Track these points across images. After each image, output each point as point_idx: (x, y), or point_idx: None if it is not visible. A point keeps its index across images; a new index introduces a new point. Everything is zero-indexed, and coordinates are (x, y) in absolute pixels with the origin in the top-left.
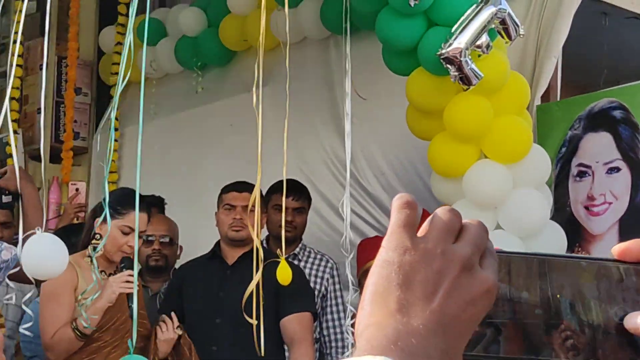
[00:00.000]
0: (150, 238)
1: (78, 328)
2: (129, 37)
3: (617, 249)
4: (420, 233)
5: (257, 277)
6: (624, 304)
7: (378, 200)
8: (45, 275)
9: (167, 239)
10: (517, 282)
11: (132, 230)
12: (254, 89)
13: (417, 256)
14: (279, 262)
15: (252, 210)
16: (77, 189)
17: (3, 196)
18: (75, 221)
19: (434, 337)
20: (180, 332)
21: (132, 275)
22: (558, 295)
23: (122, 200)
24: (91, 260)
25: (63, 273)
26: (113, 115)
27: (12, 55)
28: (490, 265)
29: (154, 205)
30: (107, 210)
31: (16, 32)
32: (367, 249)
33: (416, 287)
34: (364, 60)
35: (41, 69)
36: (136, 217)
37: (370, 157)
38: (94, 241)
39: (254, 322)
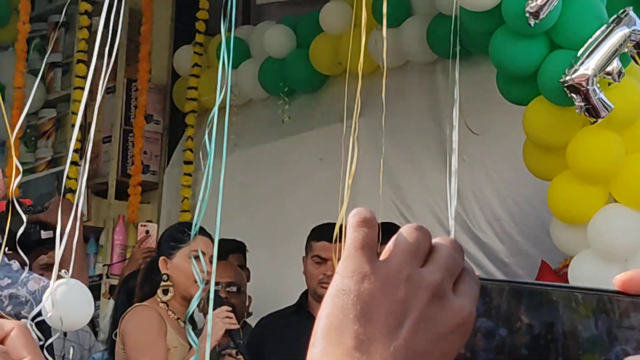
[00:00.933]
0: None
1: None
2: (223, 54)
3: (619, 279)
4: (382, 256)
5: None
6: (625, 344)
7: (492, 251)
8: (68, 326)
9: (234, 288)
10: (499, 315)
11: (203, 253)
12: (346, 118)
13: (377, 283)
14: None
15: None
16: (147, 232)
17: (42, 231)
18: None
19: None
20: None
21: (230, 311)
22: (548, 335)
23: (183, 228)
24: (167, 305)
25: (149, 319)
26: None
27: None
28: (466, 292)
29: (232, 252)
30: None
31: (80, 51)
32: None
33: (377, 320)
34: (475, 88)
35: (109, 92)
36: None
37: (483, 200)
38: (162, 284)
39: None
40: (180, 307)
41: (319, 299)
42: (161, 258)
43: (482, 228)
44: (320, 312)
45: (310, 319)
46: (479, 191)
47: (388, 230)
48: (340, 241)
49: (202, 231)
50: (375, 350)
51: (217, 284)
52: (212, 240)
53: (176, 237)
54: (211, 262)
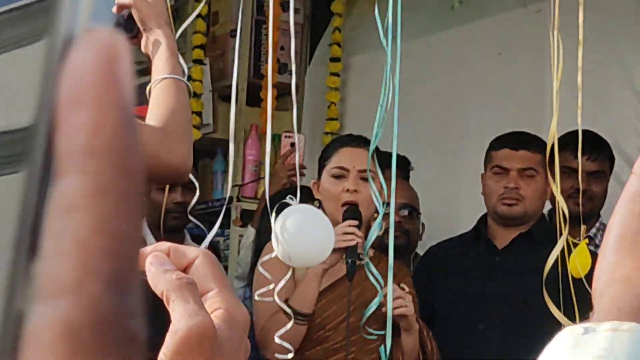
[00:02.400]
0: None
1: (292, 307)
2: None
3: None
4: None
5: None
6: None
7: None
8: (309, 262)
9: (407, 211)
10: None
11: (346, 170)
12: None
13: None
14: (574, 245)
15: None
16: (292, 144)
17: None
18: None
19: None
20: None
21: (355, 226)
22: None
23: (332, 143)
24: None
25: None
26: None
27: None
28: None
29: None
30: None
31: None
32: None
33: None
34: None
35: None
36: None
37: None
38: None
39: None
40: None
41: (501, 220)
42: (313, 182)
43: None
44: (612, 218)
45: (491, 247)
46: None
47: (589, 140)
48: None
49: (352, 141)
50: None
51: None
52: (367, 150)
53: (323, 152)
54: (363, 178)
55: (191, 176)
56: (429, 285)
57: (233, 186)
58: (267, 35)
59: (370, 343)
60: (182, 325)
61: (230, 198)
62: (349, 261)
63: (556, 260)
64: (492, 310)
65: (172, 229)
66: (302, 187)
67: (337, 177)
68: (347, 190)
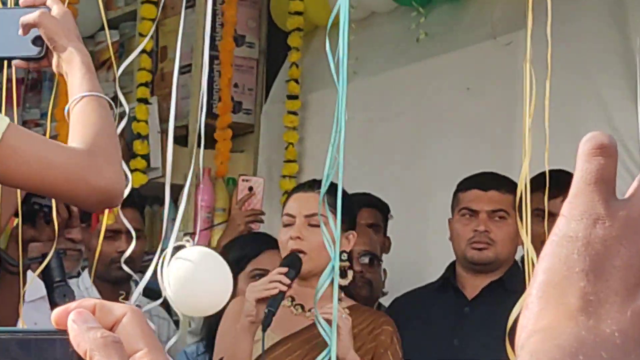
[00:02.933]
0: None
1: None
2: None
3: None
4: (628, 193)
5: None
6: None
7: None
8: (200, 310)
9: (367, 258)
10: None
11: (292, 216)
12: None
13: (615, 229)
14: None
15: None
16: (250, 188)
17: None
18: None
19: (635, 348)
20: None
21: (285, 273)
22: None
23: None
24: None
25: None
26: None
27: None
28: None
29: (365, 205)
30: None
31: None
32: None
33: (611, 275)
34: None
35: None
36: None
37: None
38: None
39: None
40: (298, 286)
41: (471, 266)
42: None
43: None
44: (538, 265)
45: (460, 296)
46: None
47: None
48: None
49: (303, 186)
50: (606, 313)
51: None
52: (318, 194)
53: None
54: (311, 224)
55: (128, 225)
56: None
57: (184, 234)
58: (219, 72)
59: None
60: None
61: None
62: (267, 310)
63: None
64: None
65: (117, 280)
66: (260, 234)
67: (286, 225)
68: (292, 238)
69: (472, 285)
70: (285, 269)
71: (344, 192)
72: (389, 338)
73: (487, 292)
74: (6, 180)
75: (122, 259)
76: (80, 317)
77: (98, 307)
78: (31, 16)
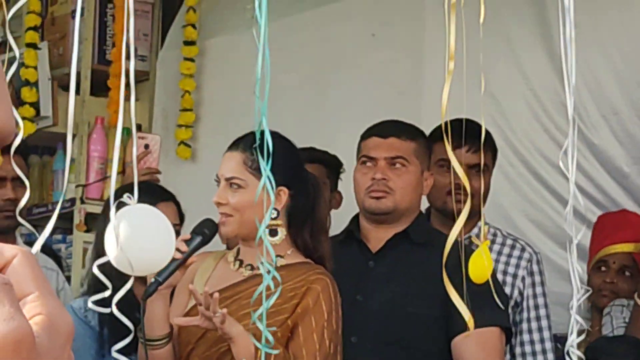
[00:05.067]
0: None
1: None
2: None
3: None
4: None
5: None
6: None
7: (607, 157)
8: (149, 268)
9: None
10: None
11: (217, 180)
12: None
13: None
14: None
15: (402, 163)
16: (146, 146)
17: None
18: None
19: None
20: None
21: (186, 241)
22: None
23: None
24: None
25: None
26: None
27: None
28: None
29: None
30: None
31: None
32: (607, 228)
33: None
34: None
35: None
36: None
37: (595, 86)
38: None
39: None
40: (242, 246)
41: (372, 217)
42: None
43: (594, 125)
44: None
45: (364, 249)
46: (590, 74)
47: (468, 130)
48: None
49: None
50: None
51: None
52: (237, 153)
53: None
54: (233, 184)
55: (19, 172)
56: None
57: (76, 186)
58: (113, 16)
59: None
60: None
61: (73, 200)
62: (153, 279)
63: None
64: (364, 320)
65: (1, 230)
66: (155, 186)
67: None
68: (216, 203)
69: (376, 238)
70: (188, 236)
71: (278, 148)
72: (313, 299)
73: (392, 245)
74: None
75: (17, 210)
76: None
77: None
78: None
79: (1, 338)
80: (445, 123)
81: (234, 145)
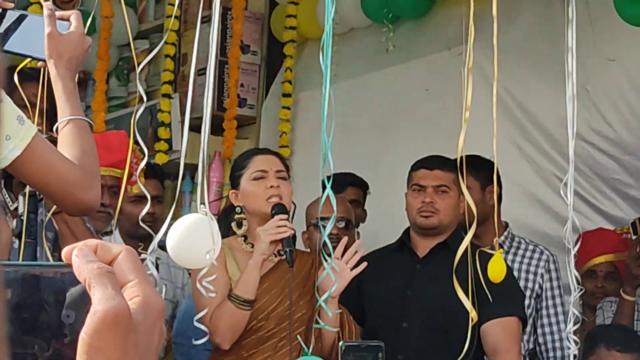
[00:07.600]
0: (322, 223)
1: (236, 295)
2: None
3: (64, 252)
4: None
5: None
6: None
7: (619, 187)
8: (195, 263)
9: (343, 223)
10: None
11: (265, 171)
12: (460, 44)
13: None
14: (487, 255)
15: (446, 191)
16: None
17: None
18: None
19: None
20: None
21: (285, 220)
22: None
23: (242, 155)
24: (245, 240)
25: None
26: None
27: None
28: None
29: (350, 184)
30: None
31: None
32: (590, 243)
33: None
34: (604, 8)
35: (204, 21)
36: None
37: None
38: (236, 216)
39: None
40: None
41: (420, 231)
42: (231, 192)
43: (607, 166)
44: None
45: (413, 255)
46: (603, 126)
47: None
48: (461, 174)
49: (262, 150)
50: None
51: (325, 217)
52: (277, 156)
53: (236, 165)
54: (278, 177)
55: (145, 191)
56: (360, 288)
57: (201, 204)
58: (229, 74)
59: (295, 330)
60: (100, 307)
61: None
62: (288, 250)
63: (468, 267)
64: (413, 310)
65: (142, 237)
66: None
67: (258, 179)
68: (271, 187)
69: (423, 247)
70: (285, 216)
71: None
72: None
73: (435, 252)
74: (20, 175)
75: (140, 218)
76: (81, 252)
77: (99, 246)
78: (46, 29)
79: (104, 313)
80: (461, 158)
81: (267, 151)
